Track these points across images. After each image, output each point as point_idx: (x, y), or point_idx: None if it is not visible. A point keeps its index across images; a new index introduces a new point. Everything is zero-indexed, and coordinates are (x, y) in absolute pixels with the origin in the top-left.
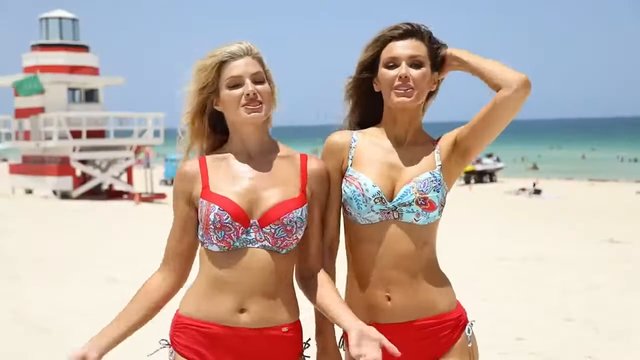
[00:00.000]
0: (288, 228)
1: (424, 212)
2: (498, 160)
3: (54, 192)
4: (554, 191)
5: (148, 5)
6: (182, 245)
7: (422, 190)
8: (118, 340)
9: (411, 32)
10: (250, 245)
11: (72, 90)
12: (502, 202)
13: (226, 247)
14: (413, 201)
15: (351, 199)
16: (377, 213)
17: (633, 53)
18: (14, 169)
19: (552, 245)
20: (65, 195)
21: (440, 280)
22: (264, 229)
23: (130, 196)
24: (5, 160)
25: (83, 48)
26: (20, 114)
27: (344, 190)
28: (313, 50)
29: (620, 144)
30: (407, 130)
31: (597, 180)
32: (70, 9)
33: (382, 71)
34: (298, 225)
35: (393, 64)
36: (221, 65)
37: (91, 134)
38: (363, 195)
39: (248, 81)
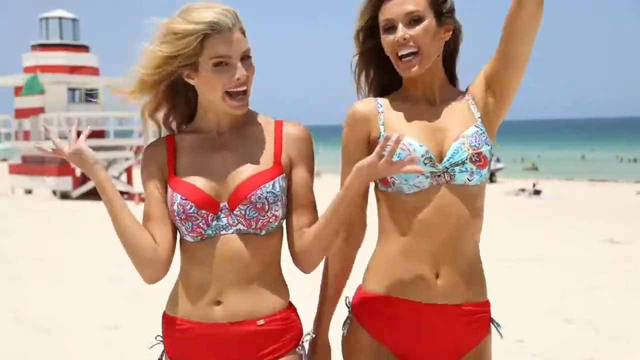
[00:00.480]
0: (258, 206)
1: (478, 170)
2: (498, 160)
3: (54, 192)
4: (554, 192)
5: (148, 5)
6: (167, 229)
7: (475, 146)
8: (102, 182)
9: None
10: (224, 231)
11: (72, 90)
12: (502, 203)
13: (199, 237)
14: (466, 159)
15: None
16: (427, 177)
17: (633, 53)
18: (14, 169)
19: (552, 245)
20: (65, 196)
21: (481, 264)
22: (234, 211)
23: (130, 196)
24: (5, 160)
25: (83, 48)
26: (20, 114)
27: None
28: (311, 51)
29: (620, 144)
30: (432, 88)
31: (597, 180)
32: (70, 9)
33: (382, 37)
34: (271, 201)
35: (390, 26)
36: (205, 37)
37: (91, 134)
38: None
39: (239, 64)
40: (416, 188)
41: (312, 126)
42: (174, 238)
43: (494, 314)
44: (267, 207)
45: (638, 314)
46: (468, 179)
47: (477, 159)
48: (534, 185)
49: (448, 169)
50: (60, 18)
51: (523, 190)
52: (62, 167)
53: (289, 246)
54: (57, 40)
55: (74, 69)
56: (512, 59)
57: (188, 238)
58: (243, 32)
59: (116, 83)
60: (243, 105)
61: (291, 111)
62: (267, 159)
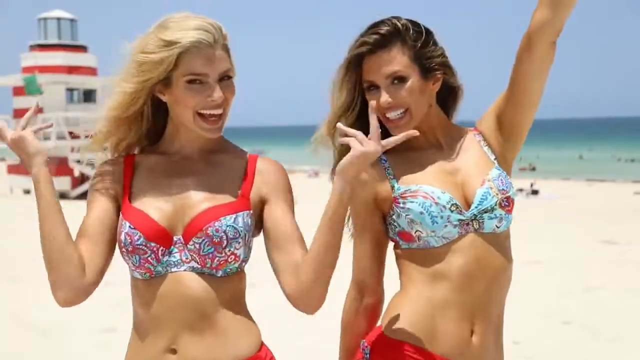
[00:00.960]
0: (215, 240)
1: (506, 215)
2: None
3: None
4: (552, 192)
5: (146, 6)
6: (98, 249)
7: (503, 190)
8: (38, 178)
9: (382, 42)
10: (176, 268)
11: (70, 90)
12: None
13: (147, 274)
14: (496, 204)
15: (422, 213)
16: (456, 226)
17: (631, 53)
18: (12, 169)
19: (550, 245)
20: (63, 196)
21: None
22: (188, 245)
23: None
24: (3, 160)
25: (81, 48)
26: (19, 114)
27: (409, 209)
28: (309, 50)
29: (618, 144)
30: (435, 133)
31: (595, 180)
32: (69, 9)
33: (367, 95)
34: (230, 237)
35: (373, 87)
36: (180, 52)
37: (90, 135)
38: (436, 204)
39: (217, 87)
40: (445, 239)
41: (312, 126)
42: (105, 262)
43: None
44: (225, 242)
45: (637, 316)
46: (497, 226)
47: (505, 203)
48: (531, 185)
49: (477, 216)
50: (58, 18)
51: (521, 190)
52: (60, 167)
53: (285, 290)
54: (55, 41)
55: (72, 69)
56: (524, 100)
57: (136, 275)
58: (227, 50)
59: (114, 82)
60: (215, 129)
61: (291, 111)
62: (233, 191)
